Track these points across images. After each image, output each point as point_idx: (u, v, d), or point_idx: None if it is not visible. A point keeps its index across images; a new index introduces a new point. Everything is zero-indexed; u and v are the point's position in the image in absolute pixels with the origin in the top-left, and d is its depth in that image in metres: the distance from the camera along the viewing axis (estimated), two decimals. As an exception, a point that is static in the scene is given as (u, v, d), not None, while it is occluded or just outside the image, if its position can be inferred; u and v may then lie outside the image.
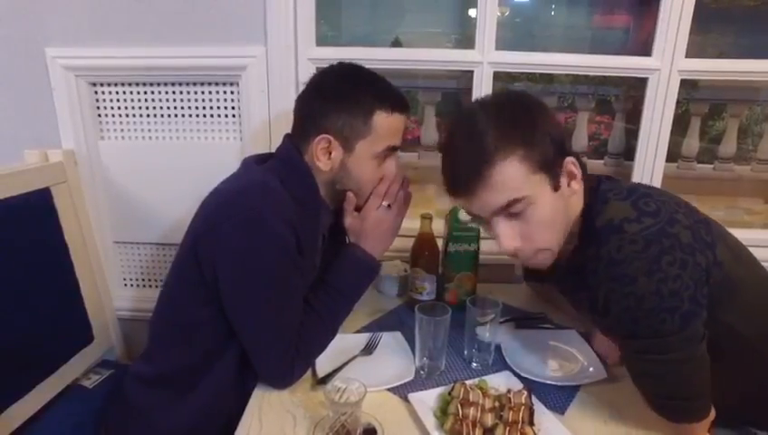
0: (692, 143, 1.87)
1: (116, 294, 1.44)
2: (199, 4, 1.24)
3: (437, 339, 0.92)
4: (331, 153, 0.93)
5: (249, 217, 0.84)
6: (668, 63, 1.33)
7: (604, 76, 1.43)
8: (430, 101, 1.68)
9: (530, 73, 1.39)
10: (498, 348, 1.00)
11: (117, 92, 1.34)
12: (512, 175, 0.76)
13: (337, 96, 0.93)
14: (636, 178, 1.40)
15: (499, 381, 0.90)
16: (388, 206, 1.00)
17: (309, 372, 0.93)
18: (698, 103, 1.83)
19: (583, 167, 0.83)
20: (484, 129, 0.77)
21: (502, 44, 1.34)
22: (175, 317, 0.96)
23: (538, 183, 0.77)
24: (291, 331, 0.89)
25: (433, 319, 0.91)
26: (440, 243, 1.20)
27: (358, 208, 1.01)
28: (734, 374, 0.81)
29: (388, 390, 0.89)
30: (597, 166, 1.78)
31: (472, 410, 0.78)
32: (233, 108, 1.34)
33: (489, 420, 0.77)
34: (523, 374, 0.93)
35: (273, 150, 1.03)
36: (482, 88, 1.34)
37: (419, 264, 1.18)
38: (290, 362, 0.88)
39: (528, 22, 1.64)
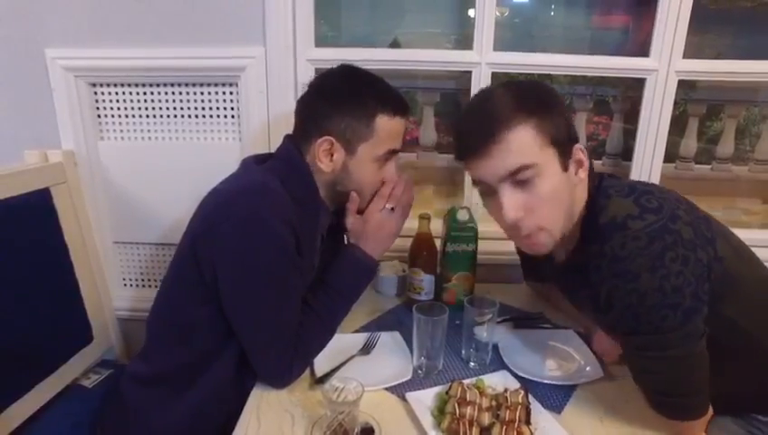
0: (690, 144, 1.87)
1: (115, 294, 1.45)
2: (198, 5, 1.25)
3: (435, 339, 0.93)
4: (332, 155, 0.94)
5: (249, 216, 0.84)
6: (666, 64, 1.33)
7: (602, 77, 1.44)
8: (429, 101, 1.68)
9: (528, 74, 1.40)
10: (496, 347, 1.01)
11: (116, 93, 1.34)
12: (525, 141, 0.77)
13: (340, 98, 0.93)
14: (634, 178, 1.41)
15: (496, 381, 0.91)
16: (392, 209, 1.01)
17: (307, 372, 0.93)
18: (696, 104, 1.83)
19: (590, 161, 0.84)
20: (502, 97, 0.80)
21: (501, 45, 1.34)
22: (173, 317, 0.96)
23: (549, 156, 0.79)
24: (289, 330, 0.89)
25: (431, 319, 0.91)
26: (438, 243, 1.21)
27: (359, 210, 1.02)
28: (736, 366, 0.82)
29: (386, 389, 0.89)
30: (595, 166, 1.78)
31: (469, 410, 0.78)
32: (232, 108, 1.34)
33: (486, 418, 0.78)
34: (520, 374, 0.93)
35: (273, 151, 1.04)
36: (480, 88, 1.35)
37: (418, 264, 1.19)
38: (288, 361, 0.89)
39: (527, 22, 1.64)
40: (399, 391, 0.89)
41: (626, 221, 0.74)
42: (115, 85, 1.34)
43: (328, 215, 1.04)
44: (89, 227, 1.30)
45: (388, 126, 0.94)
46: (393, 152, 0.98)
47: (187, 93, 1.33)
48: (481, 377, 0.91)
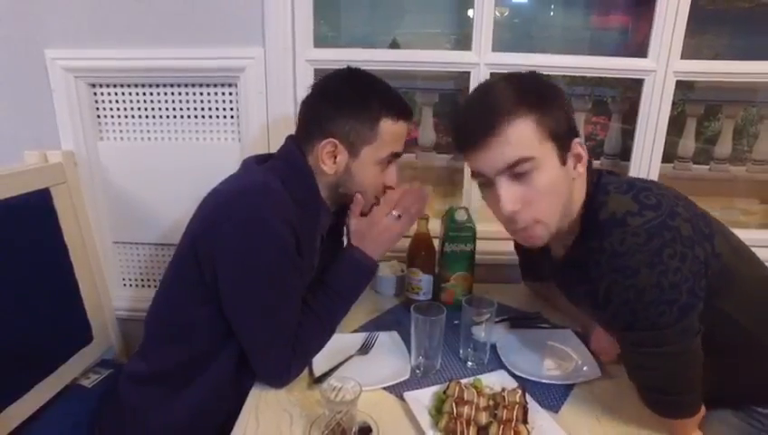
0: (688, 144, 1.88)
1: (115, 294, 1.45)
2: (198, 6, 1.25)
3: (433, 338, 0.93)
4: (336, 157, 0.95)
5: (250, 217, 0.85)
6: (664, 65, 1.34)
7: (601, 78, 1.45)
8: (428, 102, 1.69)
9: (528, 72, 1.40)
10: (494, 347, 1.01)
11: (116, 94, 1.35)
12: (525, 133, 0.77)
13: (345, 102, 0.94)
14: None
15: (494, 380, 0.91)
16: (398, 216, 1.01)
17: (306, 372, 0.93)
18: (694, 104, 1.84)
19: (589, 156, 0.85)
20: (503, 90, 0.80)
21: (501, 45, 1.34)
22: (172, 316, 0.96)
23: (547, 150, 0.79)
24: (289, 330, 0.90)
25: (428, 319, 0.92)
26: (437, 243, 1.21)
27: (362, 212, 1.02)
28: (734, 361, 0.84)
29: (384, 389, 0.90)
30: (593, 165, 1.79)
31: (466, 409, 0.78)
32: (231, 109, 1.35)
33: (483, 418, 0.78)
34: (517, 373, 0.94)
35: (272, 151, 1.04)
36: (479, 89, 1.35)
37: (416, 264, 1.19)
38: (287, 361, 0.89)
39: (527, 22, 1.64)
40: (397, 390, 0.89)
41: (625, 218, 0.74)
42: (115, 86, 1.34)
43: (328, 216, 1.04)
44: (88, 227, 1.30)
45: (391, 130, 0.95)
46: (396, 155, 0.99)
47: (187, 94, 1.34)
48: (479, 377, 0.92)
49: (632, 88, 1.51)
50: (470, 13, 1.35)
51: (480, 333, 0.97)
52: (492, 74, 1.35)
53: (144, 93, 1.34)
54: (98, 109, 1.36)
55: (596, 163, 1.82)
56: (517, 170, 0.78)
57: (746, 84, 1.44)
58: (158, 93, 1.34)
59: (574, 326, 1.10)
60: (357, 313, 1.10)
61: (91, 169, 1.38)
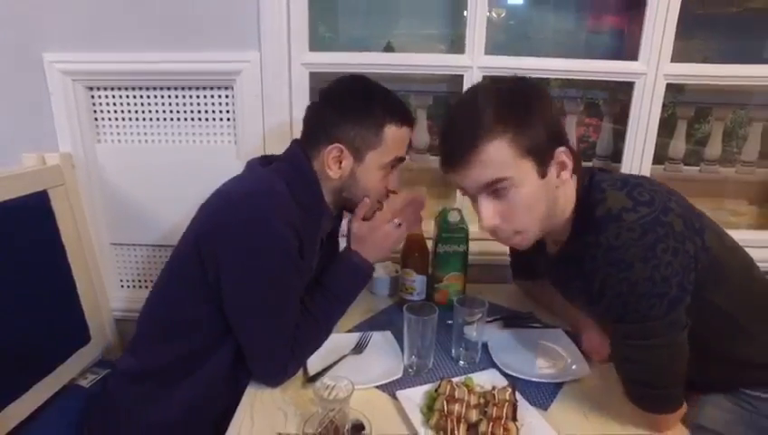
0: (679, 145, 1.90)
1: (112, 295, 1.46)
2: (194, 10, 1.27)
3: (425, 338, 0.95)
4: (341, 162, 0.97)
5: (255, 218, 0.87)
6: (654, 68, 1.36)
7: (593, 80, 1.46)
8: (422, 104, 1.71)
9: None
10: (485, 346, 1.03)
11: (113, 96, 1.36)
12: (501, 154, 0.79)
13: (350, 108, 0.96)
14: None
15: (485, 379, 0.93)
16: (399, 224, 1.04)
17: (300, 371, 0.95)
18: (684, 107, 1.87)
19: (577, 159, 0.86)
20: (481, 108, 0.81)
21: (496, 47, 1.36)
22: (170, 314, 0.97)
23: (524, 167, 0.81)
24: (287, 331, 0.92)
25: (421, 319, 0.93)
26: (430, 244, 1.23)
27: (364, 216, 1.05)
28: (723, 347, 0.88)
29: (377, 387, 0.91)
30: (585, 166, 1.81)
31: (457, 407, 0.80)
32: (228, 111, 1.36)
33: (473, 415, 0.79)
34: (508, 372, 0.95)
35: (268, 153, 1.06)
36: (472, 92, 1.37)
37: (410, 265, 1.21)
38: (284, 362, 0.91)
39: (523, 24, 1.66)
40: (390, 389, 0.91)
41: (620, 213, 0.77)
42: (112, 89, 1.35)
43: (330, 219, 1.07)
44: (86, 228, 1.31)
45: (395, 135, 0.97)
46: (399, 160, 1.02)
47: (184, 97, 1.35)
48: (470, 375, 0.94)
49: (623, 90, 1.53)
50: (466, 14, 1.36)
51: (472, 332, 0.99)
52: (484, 77, 1.37)
53: (141, 96, 1.35)
54: (95, 111, 1.38)
55: (588, 165, 1.84)
56: (496, 188, 0.81)
57: (735, 87, 1.46)
58: (155, 96, 1.35)
59: (565, 326, 1.12)
60: (352, 313, 1.11)
61: (89, 172, 1.39)
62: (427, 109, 1.74)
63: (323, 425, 0.77)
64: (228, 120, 1.37)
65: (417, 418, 0.82)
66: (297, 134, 1.05)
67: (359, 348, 1.03)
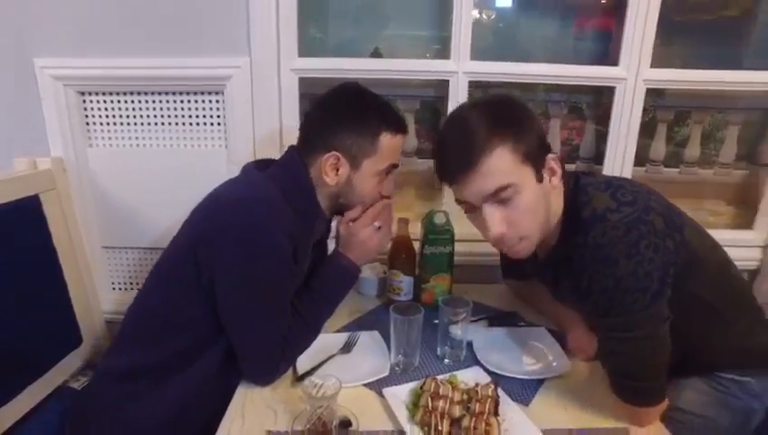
0: (659, 148, 1.95)
1: (104, 297, 1.47)
2: (185, 16, 1.29)
3: (411, 337, 0.97)
4: (338, 169, 0.99)
5: (252, 223, 0.89)
6: (634, 73, 1.40)
7: (576, 85, 1.50)
8: (410, 109, 1.73)
9: (504, 83, 1.45)
10: (470, 345, 1.05)
11: (105, 101, 1.37)
12: (502, 162, 0.83)
13: (347, 117, 0.99)
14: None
15: (469, 376, 0.95)
16: (378, 227, 1.07)
17: (290, 371, 0.97)
18: (664, 110, 1.91)
19: (562, 167, 0.91)
20: (477, 123, 0.85)
21: (483, 51, 1.38)
22: (163, 315, 0.98)
23: (525, 172, 0.85)
24: (279, 333, 0.94)
25: (407, 318, 0.96)
26: (417, 246, 1.25)
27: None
28: (700, 333, 0.94)
29: (365, 385, 0.94)
30: (569, 170, 1.85)
31: (441, 403, 0.83)
32: (218, 116, 1.38)
33: (457, 411, 0.82)
34: (491, 369, 0.98)
35: (258, 158, 1.08)
36: (458, 96, 1.40)
37: (397, 266, 1.23)
38: (275, 362, 0.94)
39: (510, 27, 1.69)
40: (377, 386, 0.93)
41: (605, 214, 0.82)
42: (103, 94, 1.37)
43: (323, 224, 1.10)
44: (77, 232, 1.32)
45: (390, 143, 1.00)
46: (394, 166, 1.04)
47: (174, 102, 1.37)
48: (454, 373, 0.96)
49: (606, 94, 1.57)
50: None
51: (457, 331, 1.02)
52: (470, 83, 1.40)
53: (132, 101, 1.37)
54: (87, 116, 1.39)
55: (572, 167, 1.87)
56: (501, 197, 0.85)
57: (713, 92, 1.51)
58: (146, 101, 1.37)
59: (549, 324, 1.15)
60: (340, 313, 1.14)
61: (80, 176, 1.40)
62: (415, 113, 1.76)
63: (311, 422, 0.79)
64: (219, 124, 1.38)
65: (402, 414, 0.85)
66: (287, 139, 1.07)
67: (347, 347, 1.06)
